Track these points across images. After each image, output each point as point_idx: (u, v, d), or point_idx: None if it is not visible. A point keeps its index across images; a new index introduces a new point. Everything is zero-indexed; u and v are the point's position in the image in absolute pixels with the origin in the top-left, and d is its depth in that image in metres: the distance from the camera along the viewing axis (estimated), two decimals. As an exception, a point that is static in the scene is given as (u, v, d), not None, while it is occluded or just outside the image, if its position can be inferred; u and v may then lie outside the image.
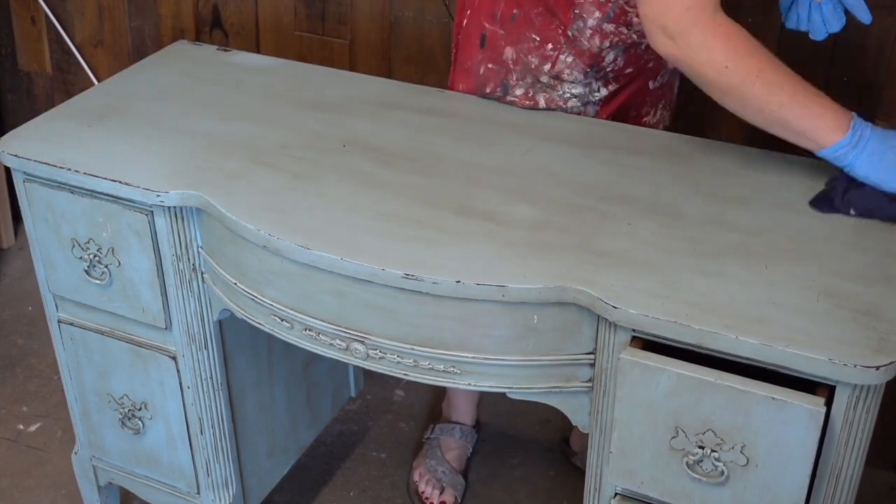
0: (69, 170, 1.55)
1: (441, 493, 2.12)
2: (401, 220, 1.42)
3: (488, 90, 1.74)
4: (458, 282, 1.31)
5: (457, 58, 1.80)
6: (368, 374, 2.36)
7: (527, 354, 1.36)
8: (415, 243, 1.38)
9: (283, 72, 1.86)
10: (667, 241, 1.39)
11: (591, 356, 1.35)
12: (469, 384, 1.40)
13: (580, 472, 2.10)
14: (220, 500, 1.80)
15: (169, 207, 1.51)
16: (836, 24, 1.53)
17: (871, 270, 1.33)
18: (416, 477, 2.17)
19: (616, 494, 1.40)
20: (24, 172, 1.61)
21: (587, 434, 1.42)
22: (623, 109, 1.75)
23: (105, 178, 1.52)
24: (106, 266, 1.61)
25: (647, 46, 1.66)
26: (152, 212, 1.52)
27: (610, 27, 1.62)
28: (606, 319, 1.29)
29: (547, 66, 1.67)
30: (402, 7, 2.29)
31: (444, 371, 1.40)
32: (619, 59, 1.67)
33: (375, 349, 1.41)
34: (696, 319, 1.23)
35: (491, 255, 1.35)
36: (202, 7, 2.51)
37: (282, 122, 1.68)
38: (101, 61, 2.70)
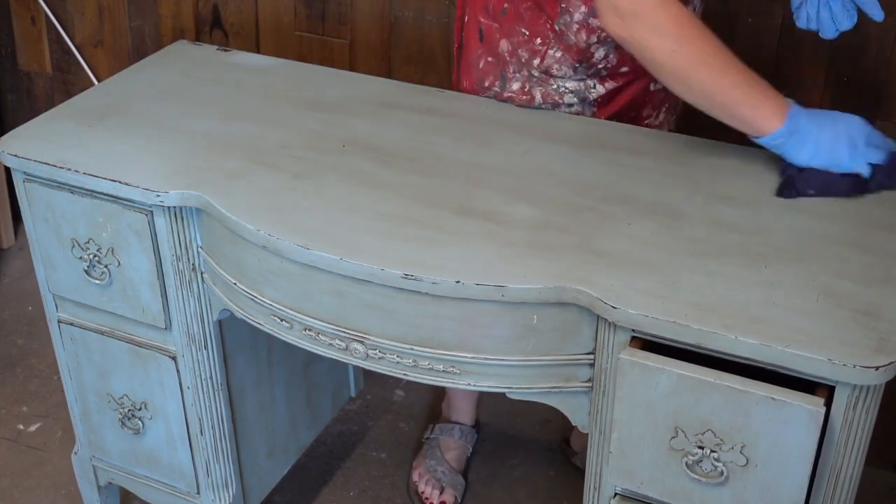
0: (69, 170, 1.55)
1: (441, 493, 2.12)
2: (401, 220, 1.42)
3: (487, 84, 1.75)
4: (457, 282, 1.31)
5: (461, 54, 1.80)
6: (368, 374, 2.36)
7: (526, 354, 1.36)
8: (414, 243, 1.38)
9: (283, 72, 1.86)
10: (667, 241, 1.39)
11: (591, 356, 1.35)
12: (469, 384, 1.40)
13: (580, 472, 2.10)
14: (220, 500, 1.80)
15: (169, 207, 1.51)
16: (846, 22, 1.53)
17: (871, 270, 1.33)
18: (415, 477, 2.17)
19: (616, 494, 1.40)
20: (24, 172, 1.61)
21: (587, 434, 1.42)
22: (623, 111, 1.75)
23: (105, 178, 1.52)
24: (106, 266, 1.61)
25: None
26: (152, 212, 1.52)
27: (596, 22, 1.62)
28: (606, 319, 1.29)
29: (536, 61, 1.68)
30: (402, 7, 2.29)
31: (443, 371, 1.40)
32: (610, 55, 1.67)
33: (375, 349, 1.41)
34: (696, 319, 1.23)
35: (491, 255, 1.35)
36: (202, 7, 2.51)
37: (282, 122, 1.68)
38: (101, 61, 2.70)
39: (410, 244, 1.38)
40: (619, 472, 1.33)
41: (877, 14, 1.51)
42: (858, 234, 1.40)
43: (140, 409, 1.74)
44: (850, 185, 1.47)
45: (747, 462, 1.23)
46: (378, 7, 2.31)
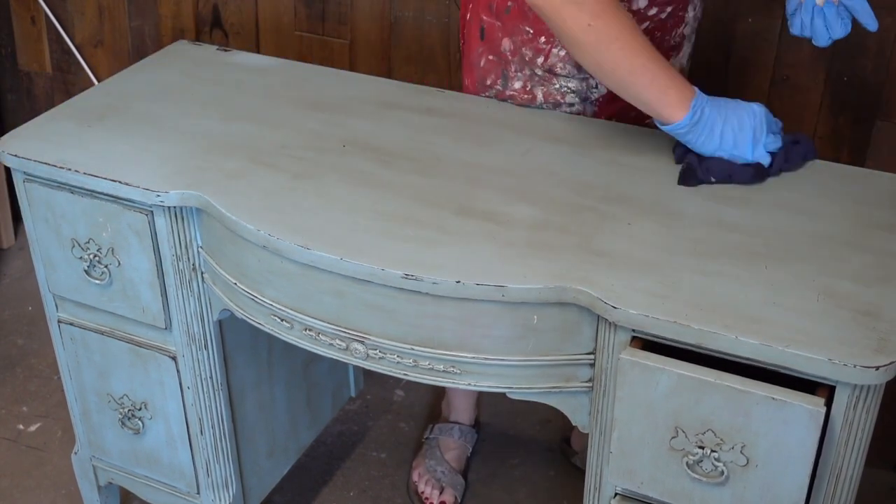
0: (69, 170, 1.55)
1: (441, 493, 2.12)
2: (401, 220, 1.42)
3: (489, 82, 1.75)
4: (457, 282, 1.31)
5: (463, 53, 1.80)
6: (368, 374, 2.36)
7: (527, 354, 1.36)
8: (415, 243, 1.38)
9: (283, 72, 1.86)
10: (667, 241, 1.39)
11: (591, 356, 1.35)
12: (469, 384, 1.40)
13: (580, 472, 2.10)
14: (220, 500, 1.80)
15: (169, 207, 1.51)
16: (840, 31, 1.53)
17: (871, 270, 1.33)
18: (415, 477, 2.17)
19: (616, 494, 1.40)
20: (25, 172, 1.61)
21: (587, 434, 1.42)
22: (624, 111, 1.75)
23: (105, 178, 1.52)
24: (106, 266, 1.61)
25: None
26: (152, 212, 1.52)
27: None
28: (606, 319, 1.29)
29: (540, 59, 1.68)
30: (402, 7, 2.29)
31: (443, 371, 1.40)
32: None
33: (375, 349, 1.41)
34: (696, 319, 1.23)
35: (491, 255, 1.35)
36: (202, 7, 2.51)
37: (282, 122, 1.68)
38: (101, 61, 2.70)
39: (410, 244, 1.38)
40: (620, 472, 1.33)
41: (871, 24, 1.51)
42: (858, 234, 1.40)
43: (140, 409, 1.74)
44: (751, 174, 1.50)
45: (748, 462, 1.23)
46: (378, 7, 2.31)
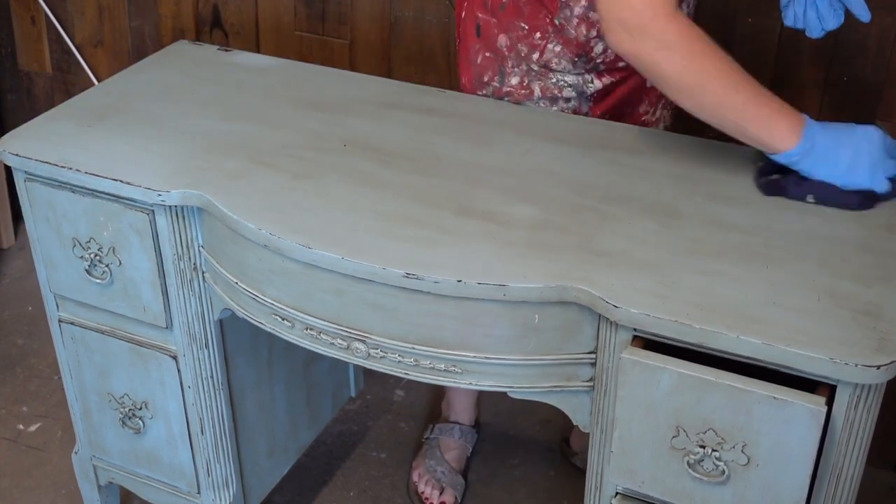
0: (71, 169, 1.55)
1: (441, 493, 2.12)
2: (401, 220, 1.42)
3: (486, 79, 1.75)
4: (459, 281, 1.31)
5: (459, 51, 1.81)
6: (368, 374, 2.36)
7: (528, 354, 1.36)
8: (415, 243, 1.38)
9: (283, 72, 1.86)
10: (667, 240, 1.39)
11: (592, 355, 1.35)
12: (470, 383, 1.40)
13: (580, 472, 2.10)
14: (220, 499, 1.80)
15: (170, 207, 1.51)
16: (832, 22, 1.53)
17: (872, 270, 1.33)
18: (415, 477, 2.17)
19: (617, 494, 1.40)
20: (26, 172, 1.61)
21: (587, 434, 1.42)
22: (620, 106, 1.75)
23: (106, 178, 1.52)
24: (107, 265, 1.61)
25: None
26: (153, 211, 1.52)
27: (596, 16, 1.63)
28: (607, 319, 1.29)
29: (536, 55, 1.69)
30: (402, 7, 2.29)
31: (444, 370, 1.40)
32: (609, 50, 1.67)
33: (376, 348, 1.42)
34: (698, 319, 1.23)
35: (491, 254, 1.35)
36: (202, 7, 2.51)
37: (282, 122, 1.68)
38: (101, 61, 2.70)
39: (411, 244, 1.38)
40: (621, 472, 1.33)
41: (863, 14, 1.51)
42: (858, 234, 1.41)
43: (141, 409, 1.74)
44: (858, 201, 1.45)
45: (748, 461, 1.23)
46: (378, 7, 2.31)
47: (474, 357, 1.37)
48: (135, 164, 1.55)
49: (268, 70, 1.87)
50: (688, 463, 1.26)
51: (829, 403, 1.19)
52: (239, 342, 1.75)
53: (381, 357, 1.42)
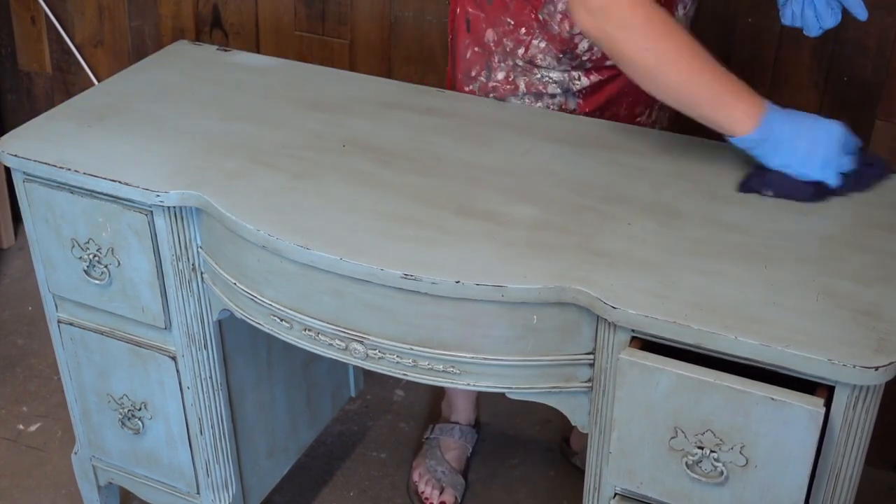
0: (69, 170, 1.55)
1: (441, 493, 2.12)
2: (400, 220, 1.42)
3: (474, 73, 1.76)
4: (457, 282, 1.31)
5: (452, 46, 1.81)
6: (368, 374, 2.36)
7: (526, 354, 1.36)
8: (414, 243, 1.38)
9: (283, 72, 1.86)
10: (666, 241, 1.39)
11: (591, 356, 1.35)
12: (468, 384, 1.40)
13: (580, 472, 2.10)
14: (219, 500, 1.80)
15: (169, 207, 1.51)
16: (830, 21, 1.53)
17: (871, 270, 1.33)
18: (415, 477, 2.17)
19: (615, 494, 1.40)
20: (24, 172, 1.61)
21: (587, 434, 1.42)
22: (613, 107, 1.75)
23: (105, 178, 1.52)
24: (106, 266, 1.61)
25: None
26: (152, 212, 1.52)
27: None
28: (606, 320, 1.29)
29: (521, 51, 1.69)
30: (402, 7, 2.29)
31: (443, 371, 1.40)
32: (595, 47, 1.67)
33: (374, 349, 1.41)
34: (696, 320, 1.23)
35: (490, 255, 1.35)
36: (202, 7, 2.51)
37: (282, 122, 1.68)
38: (101, 61, 2.70)
39: (410, 244, 1.38)
40: (619, 472, 1.33)
41: (860, 13, 1.51)
42: (858, 234, 1.40)
43: (140, 409, 1.74)
44: (812, 192, 1.46)
45: (747, 462, 1.23)
46: (378, 7, 2.31)
47: (472, 358, 1.37)
48: (134, 165, 1.55)
49: (268, 70, 1.87)
50: (686, 464, 1.26)
51: (828, 404, 1.19)
52: (238, 343, 1.75)
53: (379, 358, 1.42)
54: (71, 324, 1.73)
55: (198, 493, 1.80)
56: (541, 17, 1.65)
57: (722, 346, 1.22)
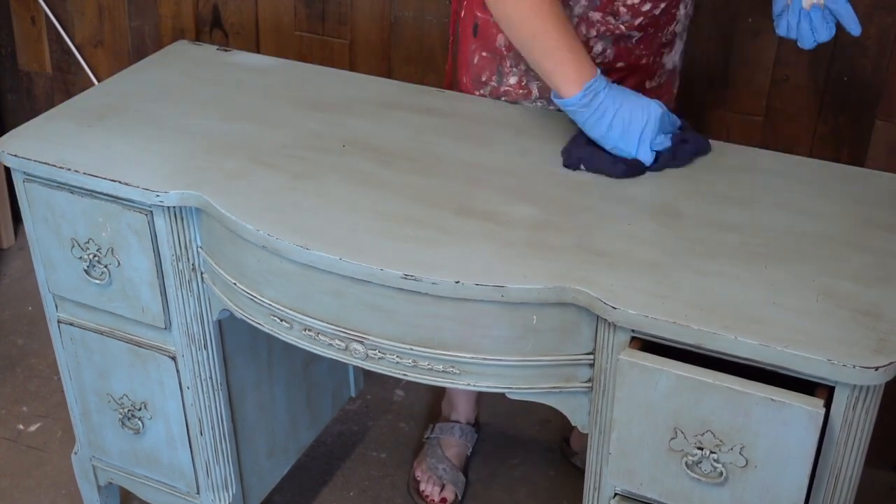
0: (69, 170, 1.55)
1: (441, 490, 2.13)
2: (400, 220, 1.42)
3: (484, 78, 1.75)
4: (457, 282, 1.31)
5: (456, 50, 1.81)
6: (368, 374, 2.36)
7: (526, 355, 1.36)
8: (414, 243, 1.38)
9: (283, 72, 1.86)
10: (666, 241, 1.39)
11: (591, 356, 1.35)
12: (468, 384, 1.40)
13: (580, 472, 2.10)
14: (219, 500, 1.80)
15: (168, 207, 1.51)
16: (824, 34, 1.54)
17: (871, 270, 1.33)
18: (416, 475, 2.17)
19: (615, 495, 1.40)
20: (24, 172, 1.61)
21: (587, 434, 1.42)
22: None
23: (105, 178, 1.52)
24: (105, 266, 1.61)
25: (638, 40, 1.67)
26: (152, 212, 1.52)
27: (596, 16, 1.63)
28: (606, 320, 1.29)
29: None
30: (402, 7, 2.29)
31: (443, 371, 1.40)
32: (608, 50, 1.68)
33: (374, 349, 1.41)
34: (696, 320, 1.23)
35: (490, 255, 1.35)
36: (202, 7, 2.51)
37: (282, 122, 1.68)
38: (101, 61, 2.70)
39: (410, 244, 1.38)
40: (619, 473, 1.33)
41: (854, 28, 1.52)
42: (858, 234, 1.40)
43: (140, 409, 1.74)
44: (623, 169, 1.51)
45: (747, 463, 1.23)
46: (378, 7, 2.31)
47: (472, 358, 1.37)
48: (134, 165, 1.55)
49: (268, 70, 1.87)
50: (686, 464, 1.26)
51: (828, 405, 1.19)
52: (238, 343, 1.75)
53: (379, 358, 1.42)
54: (71, 324, 1.73)
55: (198, 493, 1.80)
56: None
57: (722, 346, 1.22)
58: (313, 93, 1.78)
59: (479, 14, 1.72)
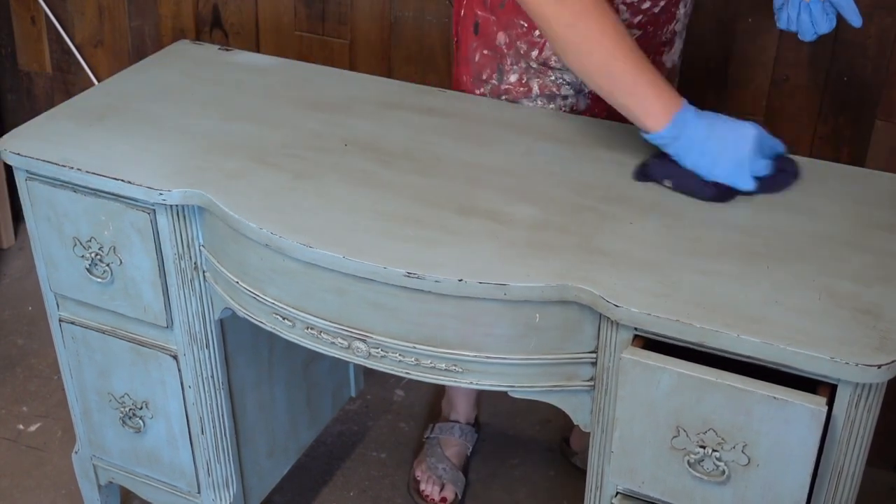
0: (72, 168, 1.55)
1: (441, 489, 2.13)
2: (401, 220, 1.42)
3: (485, 77, 1.76)
4: (460, 280, 1.31)
5: (458, 49, 1.81)
6: (368, 374, 2.36)
7: (528, 353, 1.36)
8: (416, 243, 1.38)
9: (283, 72, 1.86)
10: (667, 240, 1.39)
11: (593, 355, 1.35)
12: (471, 383, 1.40)
13: (580, 472, 2.10)
14: (220, 499, 1.80)
15: (171, 206, 1.51)
16: (824, 26, 1.55)
17: (872, 270, 1.33)
18: (416, 475, 2.17)
19: (617, 493, 1.40)
20: (27, 171, 1.61)
21: (587, 434, 1.42)
22: None
23: (108, 177, 1.52)
24: (108, 265, 1.61)
25: (637, 38, 1.67)
26: (154, 210, 1.52)
27: None
28: (608, 318, 1.29)
29: (535, 52, 1.69)
30: (402, 7, 2.29)
31: (445, 370, 1.40)
32: None
33: (377, 348, 1.42)
34: (698, 318, 1.24)
35: (492, 254, 1.36)
36: (202, 7, 2.51)
37: (282, 122, 1.68)
38: (101, 61, 2.70)
39: (412, 243, 1.38)
40: (621, 471, 1.33)
41: (855, 20, 1.52)
42: (858, 233, 1.41)
43: (141, 409, 1.74)
44: (714, 193, 1.46)
45: (749, 461, 1.23)
46: (378, 7, 2.31)
47: (475, 356, 1.37)
48: (135, 164, 1.55)
49: (268, 70, 1.87)
50: (688, 463, 1.26)
51: (830, 403, 1.19)
52: (239, 342, 1.75)
53: (381, 356, 1.42)
54: (72, 322, 1.73)
55: (198, 492, 1.80)
56: None
57: (724, 343, 1.22)
58: (313, 93, 1.78)
59: (479, 12, 1.73)
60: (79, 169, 1.54)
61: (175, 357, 1.65)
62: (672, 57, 1.78)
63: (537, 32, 1.68)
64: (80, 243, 1.61)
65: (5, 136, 1.65)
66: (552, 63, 1.69)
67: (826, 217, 1.44)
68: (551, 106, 1.73)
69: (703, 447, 1.25)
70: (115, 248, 1.58)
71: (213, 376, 1.69)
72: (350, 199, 1.47)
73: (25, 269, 2.82)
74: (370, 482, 2.21)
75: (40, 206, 1.62)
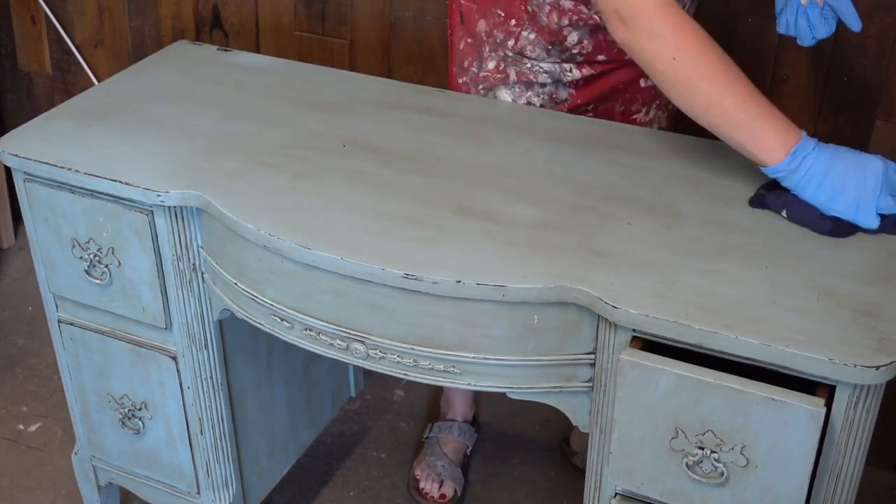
0: (70, 169, 1.55)
1: (440, 486, 2.13)
2: (401, 220, 1.42)
3: (466, 64, 1.78)
4: (458, 281, 1.31)
5: (450, 43, 1.83)
6: (368, 374, 2.36)
7: (527, 354, 1.36)
8: (415, 243, 1.38)
9: (283, 72, 1.86)
10: (667, 240, 1.39)
11: (592, 356, 1.35)
12: (469, 384, 1.40)
13: (580, 472, 2.10)
14: (220, 500, 1.80)
15: (169, 207, 1.51)
16: (823, 31, 1.54)
17: (871, 270, 1.33)
18: (416, 474, 2.17)
19: (616, 494, 1.40)
20: (25, 172, 1.61)
21: (587, 434, 1.42)
22: (609, 101, 1.75)
23: (106, 178, 1.52)
24: (106, 266, 1.61)
25: None
26: (153, 212, 1.52)
27: (568, 4, 1.64)
28: (606, 319, 1.29)
29: (511, 42, 1.71)
30: (402, 7, 2.29)
31: (444, 371, 1.40)
32: (585, 41, 1.67)
33: (375, 349, 1.41)
34: (697, 319, 1.23)
35: (491, 254, 1.35)
36: (202, 7, 2.51)
37: (282, 122, 1.68)
38: (101, 61, 2.70)
39: (411, 244, 1.38)
40: (620, 473, 1.33)
41: (854, 24, 1.51)
42: (858, 234, 1.40)
43: (140, 409, 1.74)
44: (831, 228, 1.39)
45: (747, 463, 1.23)
46: (378, 7, 2.31)
47: (473, 358, 1.37)
48: (135, 165, 1.55)
49: (268, 70, 1.87)
50: (687, 464, 1.26)
51: (829, 404, 1.19)
52: (238, 343, 1.75)
53: (380, 358, 1.42)
54: (71, 324, 1.73)
55: (198, 492, 1.80)
56: (530, 8, 1.66)
57: (723, 345, 1.22)
58: (313, 93, 1.78)
59: (462, 1, 1.76)
60: (76, 170, 1.54)
61: (174, 358, 1.65)
62: None
63: (513, 22, 1.69)
64: (79, 245, 1.61)
65: (4, 137, 1.65)
66: (527, 53, 1.71)
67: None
68: (529, 93, 1.73)
69: (702, 448, 1.25)
70: (113, 250, 1.58)
71: (212, 377, 1.68)
72: (349, 199, 1.47)
73: (25, 269, 2.82)
74: (370, 482, 2.21)
75: (38, 207, 1.62)
